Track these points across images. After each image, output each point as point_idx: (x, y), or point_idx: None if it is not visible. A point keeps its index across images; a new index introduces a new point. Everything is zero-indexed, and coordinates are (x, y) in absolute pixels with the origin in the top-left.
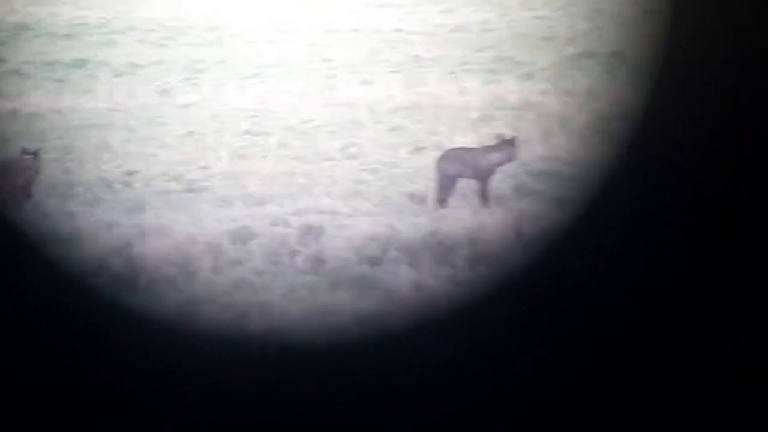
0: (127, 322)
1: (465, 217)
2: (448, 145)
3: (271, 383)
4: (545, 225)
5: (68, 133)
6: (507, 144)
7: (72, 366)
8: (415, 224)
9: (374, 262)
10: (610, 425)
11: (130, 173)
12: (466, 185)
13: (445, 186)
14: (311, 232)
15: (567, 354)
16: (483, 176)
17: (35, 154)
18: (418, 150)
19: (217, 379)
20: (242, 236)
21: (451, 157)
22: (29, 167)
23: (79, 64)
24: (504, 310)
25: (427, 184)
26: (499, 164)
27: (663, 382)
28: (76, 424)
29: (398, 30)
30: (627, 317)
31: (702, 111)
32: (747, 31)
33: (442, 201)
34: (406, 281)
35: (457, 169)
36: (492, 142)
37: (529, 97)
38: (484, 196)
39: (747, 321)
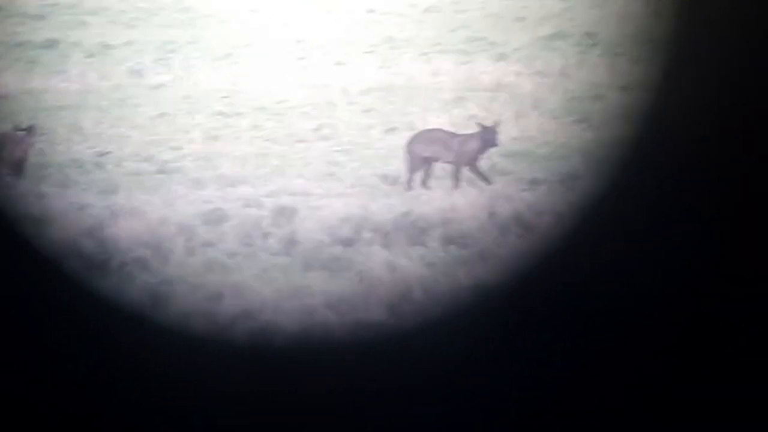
0: (99, 304)
1: (438, 198)
2: (421, 126)
3: (243, 366)
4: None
5: (39, 114)
6: (488, 131)
7: (44, 351)
8: (388, 205)
9: (347, 243)
10: (609, 423)
11: (101, 154)
12: (439, 166)
13: (416, 168)
14: (284, 213)
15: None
16: (463, 162)
17: (29, 130)
18: (391, 131)
19: (191, 362)
20: (215, 218)
21: (427, 139)
22: (23, 142)
23: (51, 44)
24: (481, 292)
25: (400, 165)
26: (480, 151)
27: (662, 381)
28: (47, 406)
29: (371, 10)
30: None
31: (679, 90)
32: (720, 7)
33: (410, 182)
34: (379, 262)
35: (434, 151)
36: (465, 123)
37: (502, 78)
38: (457, 177)
39: (748, 320)
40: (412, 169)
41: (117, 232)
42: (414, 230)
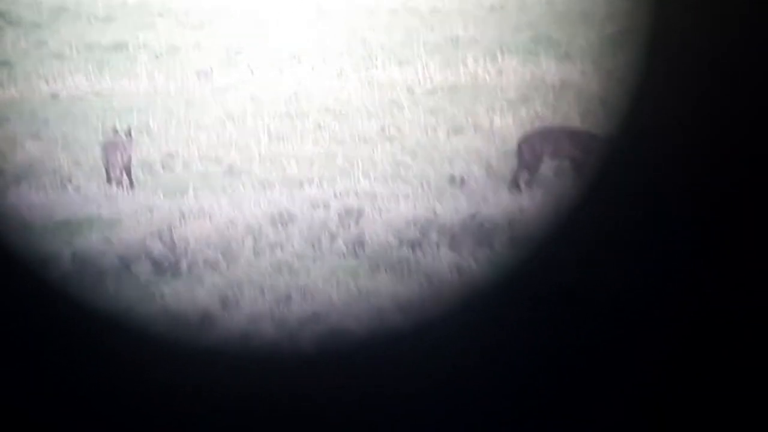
0: (166, 308)
1: (505, 200)
2: (487, 127)
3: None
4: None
5: (108, 116)
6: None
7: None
8: (455, 207)
9: (414, 245)
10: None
11: (170, 156)
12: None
13: (531, 167)
14: (351, 215)
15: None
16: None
17: (128, 133)
18: (456, 131)
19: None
20: (282, 219)
21: (544, 136)
22: (128, 146)
23: (119, 46)
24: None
25: (466, 166)
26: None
27: (665, 382)
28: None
29: (436, 10)
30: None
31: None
32: None
33: (523, 182)
34: (446, 264)
35: (548, 149)
36: (532, 122)
37: (567, 77)
38: (530, 179)
39: (746, 318)
40: (527, 168)
41: (186, 234)
42: (481, 232)
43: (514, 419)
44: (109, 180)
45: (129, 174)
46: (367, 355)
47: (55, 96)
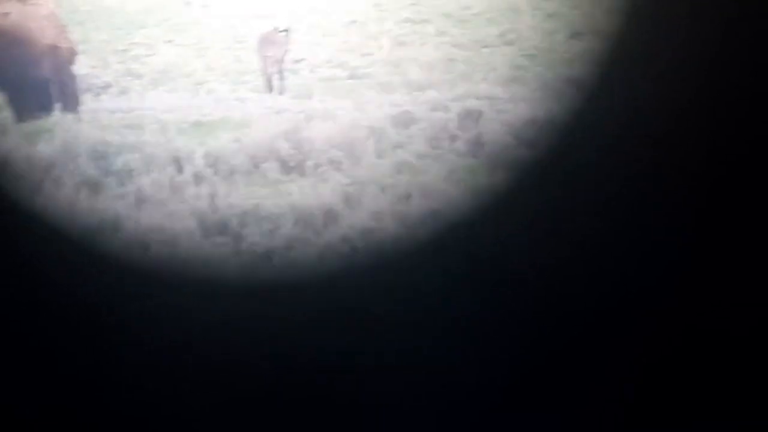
0: (295, 203)
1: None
2: (608, 30)
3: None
4: None
5: (235, 21)
6: None
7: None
8: (572, 109)
9: (533, 146)
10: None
11: (296, 61)
12: None
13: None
14: (470, 116)
15: None
16: None
17: (286, 31)
18: (574, 35)
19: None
20: (404, 121)
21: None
22: (284, 43)
23: None
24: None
25: (584, 69)
26: None
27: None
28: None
29: None
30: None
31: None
32: None
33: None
34: (564, 164)
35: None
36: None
37: None
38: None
39: (739, 318)
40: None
41: (311, 135)
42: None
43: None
44: (265, 75)
45: (281, 71)
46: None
47: (188, 2)
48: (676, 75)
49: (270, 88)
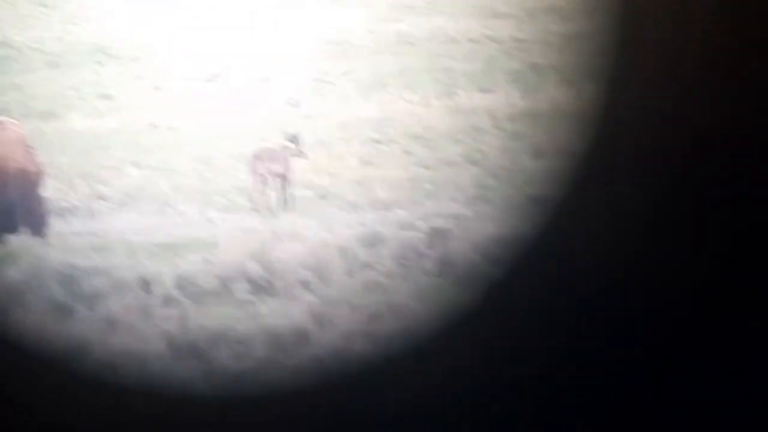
0: (265, 324)
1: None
2: (570, 150)
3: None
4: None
5: (202, 145)
6: None
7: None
8: (538, 226)
9: (500, 263)
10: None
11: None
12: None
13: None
14: (438, 235)
15: None
16: None
17: (295, 140)
18: (538, 155)
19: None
20: (372, 240)
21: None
22: (282, 156)
23: (214, 78)
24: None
25: (547, 187)
26: None
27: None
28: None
29: (516, 39)
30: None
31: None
32: None
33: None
34: (529, 281)
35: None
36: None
37: None
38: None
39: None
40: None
41: (280, 255)
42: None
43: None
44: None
45: (285, 182)
46: (453, 365)
47: (154, 125)
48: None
49: (262, 208)
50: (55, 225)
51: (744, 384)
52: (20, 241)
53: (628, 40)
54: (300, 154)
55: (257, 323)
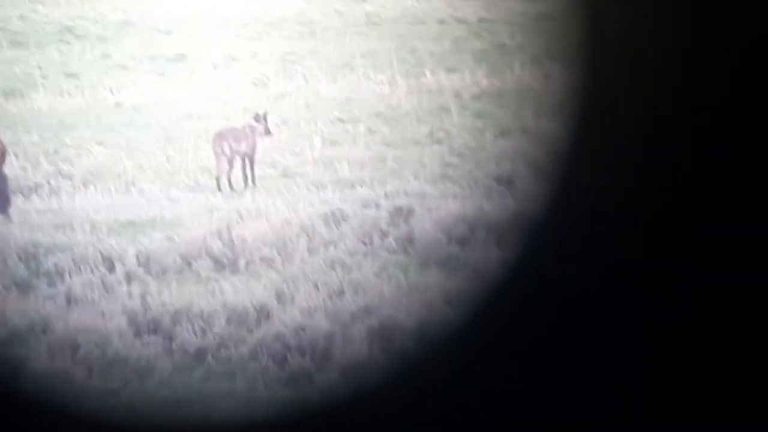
0: (227, 301)
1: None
2: (534, 130)
3: (363, 361)
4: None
5: (170, 124)
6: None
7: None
8: (501, 205)
9: (463, 242)
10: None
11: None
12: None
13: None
14: (401, 213)
15: None
16: None
17: (264, 118)
18: (503, 134)
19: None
20: (335, 218)
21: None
22: (253, 133)
23: (180, 57)
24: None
25: (513, 167)
26: None
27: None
28: None
29: (483, 20)
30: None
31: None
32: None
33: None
34: (494, 260)
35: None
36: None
37: None
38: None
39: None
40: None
41: (243, 233)
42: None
43: (566, 411)
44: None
45: (251, 161)
46: (416, 347)
47: (119, 105)
48: (602, 172)
49: (225, 187)
50: (18, 203)
51: (744, 383)
52: None
53: (595, 21)
54: (266, 133)
55: (219, 300)
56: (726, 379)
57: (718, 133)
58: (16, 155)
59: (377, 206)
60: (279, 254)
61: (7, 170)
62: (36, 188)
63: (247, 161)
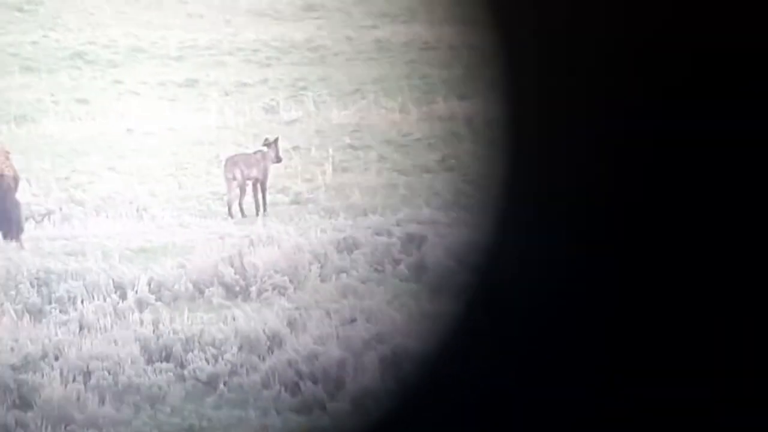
0: (239, 328)
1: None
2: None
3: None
4: None
5: (181, 150)
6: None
7: None
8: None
9: (475, 269)
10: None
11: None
12: None
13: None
14: (413, 241)
15: None
16: None
17: (275, 144)
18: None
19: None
20: (347, 245)
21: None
22: (264, 159)
23: (190, 83)
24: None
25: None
26: None
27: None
28: None
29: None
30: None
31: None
32: None
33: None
34: (506, 287)
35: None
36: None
37: None
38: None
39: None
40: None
41: (255, 260)
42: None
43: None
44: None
45: (263, 187)
46: (427, 375)
47: (130, 131)
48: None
49: (237, 213)
50: (30, 229)
51: (743, 384)
52: None
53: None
54: (276, 159)
55: (231, 327)
56: (726, 378)
57: (656, 151)
58: (28, 181)
59: (389, 233)
60: (291, 281)
61: (19, 197)
62: (48, 215)
63: (258, 187)
